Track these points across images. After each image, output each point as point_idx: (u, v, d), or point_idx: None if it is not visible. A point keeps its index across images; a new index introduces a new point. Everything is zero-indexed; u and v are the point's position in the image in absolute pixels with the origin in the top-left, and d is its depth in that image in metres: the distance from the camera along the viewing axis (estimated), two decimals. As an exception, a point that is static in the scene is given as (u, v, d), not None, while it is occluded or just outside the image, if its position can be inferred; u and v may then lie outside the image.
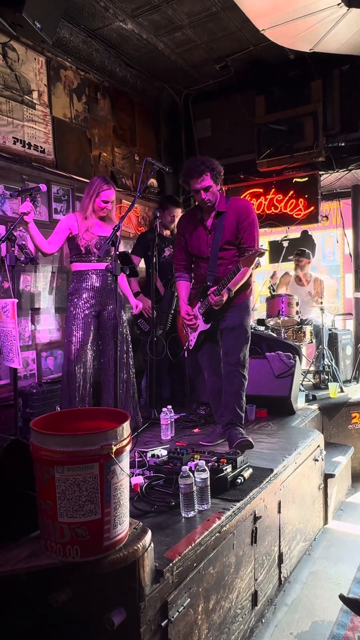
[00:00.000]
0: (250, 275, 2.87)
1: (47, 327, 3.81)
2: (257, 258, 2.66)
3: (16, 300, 2.59)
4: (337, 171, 4.79)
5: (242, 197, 4.91)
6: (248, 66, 4.78)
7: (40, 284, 3.77)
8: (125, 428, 1.44)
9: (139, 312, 3.51)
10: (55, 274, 3.89)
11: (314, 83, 4.63)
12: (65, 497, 1.32)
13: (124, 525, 1.44)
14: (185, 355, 3.09)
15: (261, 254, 2.56)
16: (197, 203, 2.91)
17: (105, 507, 1.36)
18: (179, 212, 4.16)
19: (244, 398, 2.83)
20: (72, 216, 3.10)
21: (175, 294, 3.83)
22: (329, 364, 4.38)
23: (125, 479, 1.44)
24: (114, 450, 1.35)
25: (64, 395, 3.04)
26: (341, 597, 2.16)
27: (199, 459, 2.20)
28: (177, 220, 4.15)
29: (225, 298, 2.71)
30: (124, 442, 1.41)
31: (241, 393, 2.81)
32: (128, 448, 1.45)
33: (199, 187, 2.74)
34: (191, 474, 1.90)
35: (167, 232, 4.21)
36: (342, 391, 4.16)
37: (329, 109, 4.69)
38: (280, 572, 2.38)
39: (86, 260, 3.06)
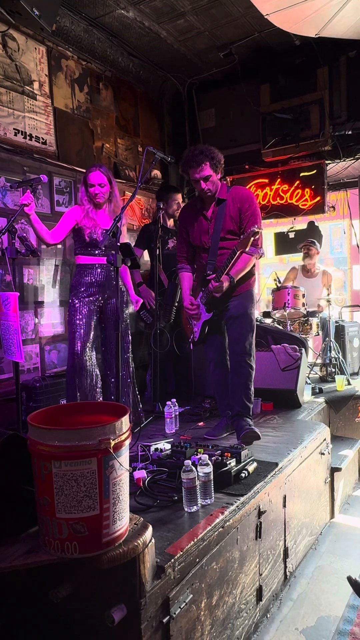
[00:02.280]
0: (254, 265, 2.82)
1: (51, 320, 3.79)
2: (253, 241, 2.56)
3: (17, 294, 2.57)
4: (344, 160, 4.71)
5: (247, 187, 4.84)
6: (253, 54, 4.69)
7: (44, 277, 3.75)
8: (124, 422, 1.41)
9: (142, 304, 3.47)
10: (59, 267, 3.86)
11: (320, 70, 4.54)
12: (63, 492, 1.30)
13: (123, 520, 1.41)
14: (191, 348, 3.05)
15: (255, 234, 2.48)
16: (196, 193, 2.86)
17: (103, 502, 1.33)
18: (180, 197, 4.13)
19: (252, 388, 2.79)
20: (77, 207, 3.07)
21: (179, 287, 3.79)
22: (336, 356, 4.32)
23: (125, 474, 1.41)
24: (112, 445, 1.32)
25: (69, 389, 3.02)
26: (349, 578, 2.14)
27: (202, 453, 2.17)
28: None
29: (225, 285, 2.65)
30: (123, 437, 1.38)
31: (249, 384, 2.77)
32: (127, 442, 1.42)
33: (198, 177, 2.69)
34: (194, 468, 1.87)
35: (170, 224, 4.16)
36: (349, 384, 4.11)
37: (336, 97, 4.60)
38: (285, 567, 2.35)
39: (90, 253, 3.02)
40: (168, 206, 4.04)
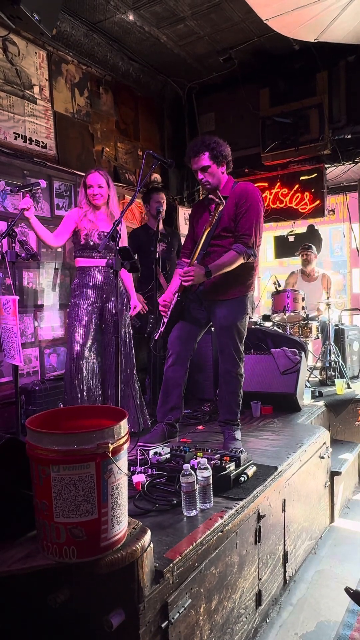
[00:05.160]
0: (254, 269, 2.70)
1: (50, 324, 3.79)
2: (243, 240, 2.50)
3: (17, 297, 2.58)
4: (344, 164, 4.73)
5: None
6: (252, 58, 4.72)
7: (44, 280, 3.75)
8: (123, 426, 1.41)
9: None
10: (59, 270, 3.86)
11: (320, 74, 4.56)
12: (61, 496, 1.29)
13: (122, 525, 1.40)
14: (155, 338, 2.85)
15: (216, 204, 2.33)
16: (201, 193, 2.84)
17: (102, 507, 1.32)
18: (162, 196, 4.04)
19: (241, 394, 2.74)
20: (76, 209, 3.09)
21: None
22: (336, 360, 4.32)
23: (123, 478, 1.40)
24: (110, 449, 1.31)
25: (68, 392, 3.01)
26: (347, 590, 2.13)
27: (201, 457, 2.17)
28: (164, 204, 4.03)
29: (198, 274, 2.44)
30: (122, 441, 1.38)
31: (238, 392, 2.71)
32: (126, 447, 1.41)
33: (195, 168, 2.59)
34: (193, 472, 1.87)
35: (161, 227, 4.16)
36: (349, 387, 4.10)
37: (335, 101, 4.62)
38: (285, 572, 2.34)
39: (89, 256, 3.03)
40: (150, 207, 4.02)
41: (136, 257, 4.10)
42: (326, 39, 3.62)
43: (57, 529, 1.31)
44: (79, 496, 1.30)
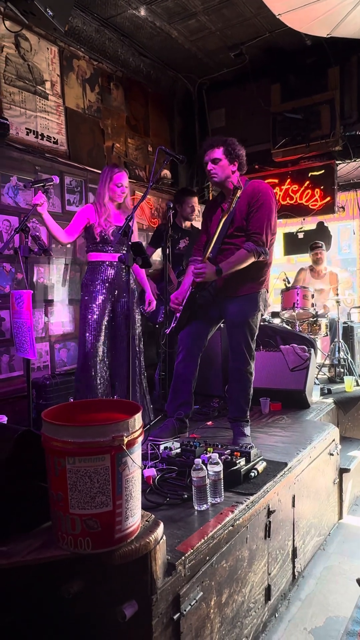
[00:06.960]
0: (267, 265, 2.70)
1: (61, 319, 3.82)
2: (254, 238, 2.52)
3: (31, 292, 2.58)
4: (355, 160, 4.70)
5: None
6: (264, 54, 4.69)
7: (54, 276, 3.77)
8: (137, 419, 1.42)
9: (156, 310, 3.51)
10: (69, 265, 3.88)
11: (331, 70, 4.53)
12: (77, 488, 1.31)
13: (135, 517, 1.42)
14: (166, 333, 2.88)
15: (235, 189, 2.38)
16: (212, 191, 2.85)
17: (116, 499, 1.34)
18: (196, 201, 4.13)
19: (251, 392, 2.75)
20: (90, 206, 3.10)
21: None
22: (345, 357, 4.31)
23: (137, 471, 1.42)
24: (125, 442, 1.33)
25: (79, 387, 3.03)
26: (358, 581, 2.14)
27: (212, 452, 2.18)
28: (196, 209, 4.13)
29: (206, 273, 2.48)
30: (136, 434, 1.39)
31: (248, 390, 2.72)
32: (140, 440, 1.43)
33: (207, 159, 2.62)
34: (204, 467, 1.88)
35: (187, 224, 4.18)
36: (357, 385, 4.09)
37: (347, 97, 4.59)
38: (294, 567, 2.35)
39: (101, 250, 3.04)
40: (182, 209, 4.08)
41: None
42: (339, 34, 3.59)
43: (72, 520, 1.32)
44: (94, 488, 1.31)
